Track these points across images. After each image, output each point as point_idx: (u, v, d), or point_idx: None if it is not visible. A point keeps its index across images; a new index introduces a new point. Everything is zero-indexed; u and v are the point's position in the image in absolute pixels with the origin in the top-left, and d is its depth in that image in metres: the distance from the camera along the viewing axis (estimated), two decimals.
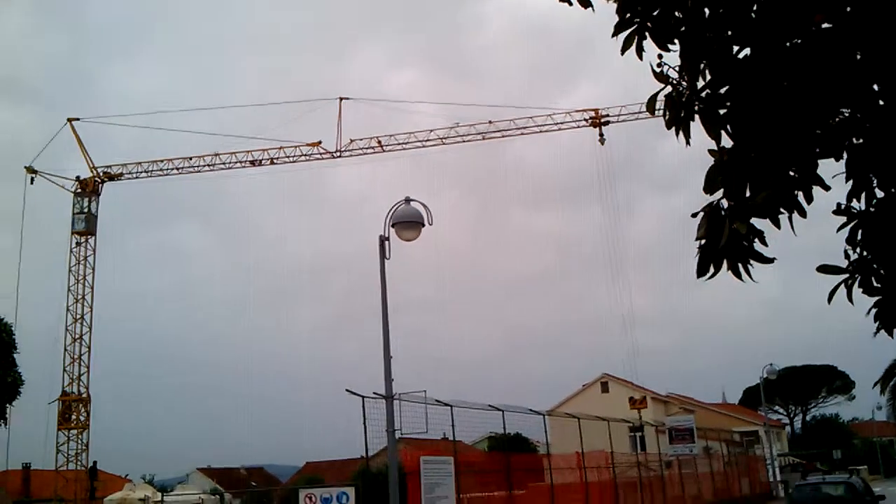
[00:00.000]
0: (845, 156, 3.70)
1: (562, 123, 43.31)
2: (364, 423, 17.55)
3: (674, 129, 3.73)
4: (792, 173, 3.69)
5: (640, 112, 41.92)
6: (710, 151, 3.84)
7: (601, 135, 42.96)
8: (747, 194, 3.69)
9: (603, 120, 42.88)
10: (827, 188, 3.78)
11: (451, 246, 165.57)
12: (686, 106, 3.68)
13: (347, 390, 17.35)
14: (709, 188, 3.81)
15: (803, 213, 3.72)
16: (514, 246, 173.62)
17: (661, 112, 3.77)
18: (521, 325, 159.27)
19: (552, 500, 25.34)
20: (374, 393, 17.09)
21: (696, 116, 3.70)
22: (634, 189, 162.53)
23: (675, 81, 3.74)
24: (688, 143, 3.80)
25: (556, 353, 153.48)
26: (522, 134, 43.37)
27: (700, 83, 3.67)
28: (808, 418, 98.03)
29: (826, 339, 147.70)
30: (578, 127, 43.35)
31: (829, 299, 4.27)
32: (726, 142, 3.76)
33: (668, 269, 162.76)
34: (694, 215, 3.86)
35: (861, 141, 3.62)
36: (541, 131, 43.30)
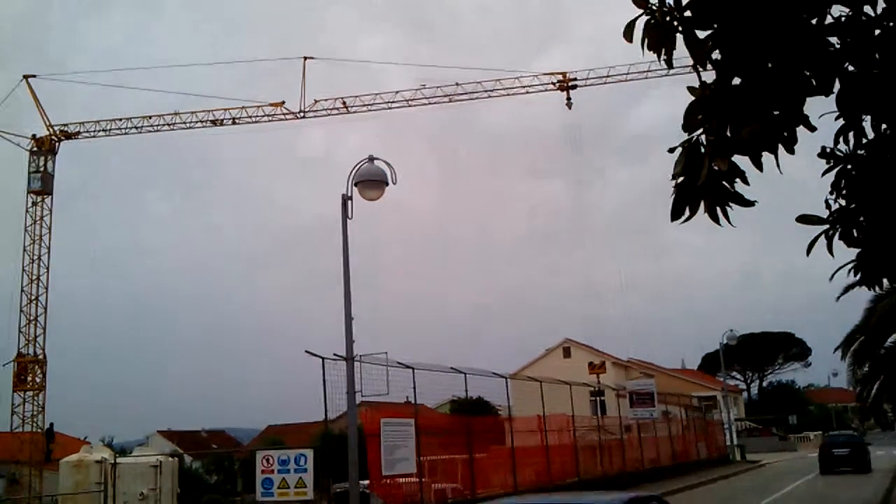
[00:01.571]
0: (836, 91, 3.45)
1: (529, 86, 42.89)
2: (324, 384, 17.34)
3: (653, 51, 3.42)
4: (776, 112, 3.44)
5: (607, 76, 41.81)
6: (690, 89, 3.57)
7: (568, 98, 42.68)
8: (728, 134, 3.45)
9: (570, 83, 42.56)
10: (812, 128, 3.53)
11: (417, 211, 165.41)
12: (667, 26, 3.39)
13: (307, 351, 17.12)
14: (688, 126, 3.55)
15: (791, 150, 3.47)
16: (480, 212, 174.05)
17: (641, 41, 3.48)
18: (486, 290, 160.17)
19: (513, 462, 25.43)
20: (335, 354, 16.86)
21: (679, 37, 3.41)
22: (601, 157, 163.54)
23: (653, 6, 3.45)
24: (670, 66, 3.52)
25: (519, 319, 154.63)
26: (490, 96, 42.83)
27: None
28: (764, 384, 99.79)
29: (785, 309, 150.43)
30: (546, 90, 43.02)
31: (808, 251, 4.06)
32: (707, 78, 3.50)
33: (632, 238, 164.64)
34: (671, 150, 3.59)
35: (854, 69, 3.36)
36: (508, 94, 42.83)
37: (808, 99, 3.50)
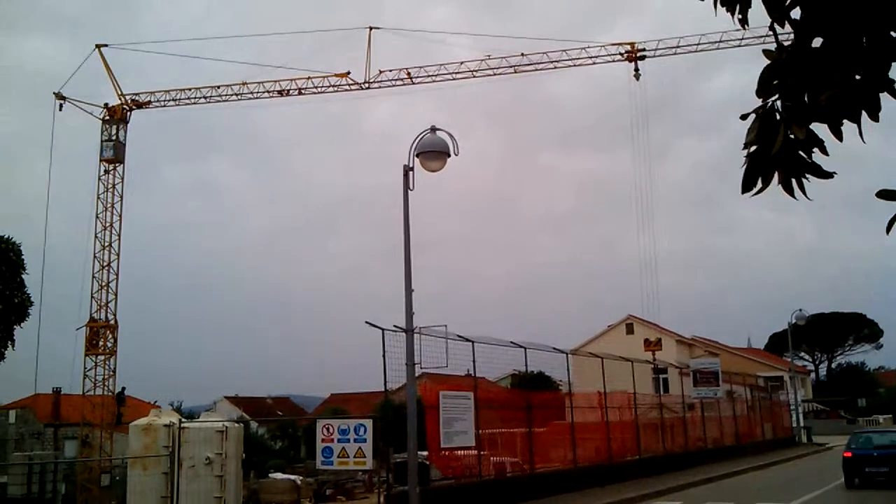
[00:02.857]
0: None
1: (596, 57, 42.01)
2: (384, 355, 17.37)
3: (727, 9, 3.19)
4: (858, 77, 3.19)
5: (677, 46, 40.78)
6: (766, 52, 3.35)
7: (636, 69, 41.71)
8: (805, 100, 3.21)
9: (639, 54, 41.57)
10: None
11: (479, 183, 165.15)
12: None
13: (367, 322, 17.14)
14: (763, 91, 3.31)
15: (876, 117, 3.21)
16: (542, 185, 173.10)
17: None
18: (548, 264, 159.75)
19: (573, 437, 25.29)
20: (395, 326, 16.88)
21: None
22: (668, 131, 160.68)
23: None
24: (744, 26, 3.29)
25: (582, 295, 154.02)
26: (556, 67, 42.11)
27: None
28: (833, 366, 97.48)
29: (855, 287, 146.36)
30: (613, 61, 42.09)
31: (888, 229, 3.81)
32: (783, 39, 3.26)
33: (699, 213, 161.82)
34: (744, 117, 3.36)
35: None
36: (574, 65, 42.04)
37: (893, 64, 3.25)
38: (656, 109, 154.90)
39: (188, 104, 46.70)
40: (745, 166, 3.42)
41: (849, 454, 25.26)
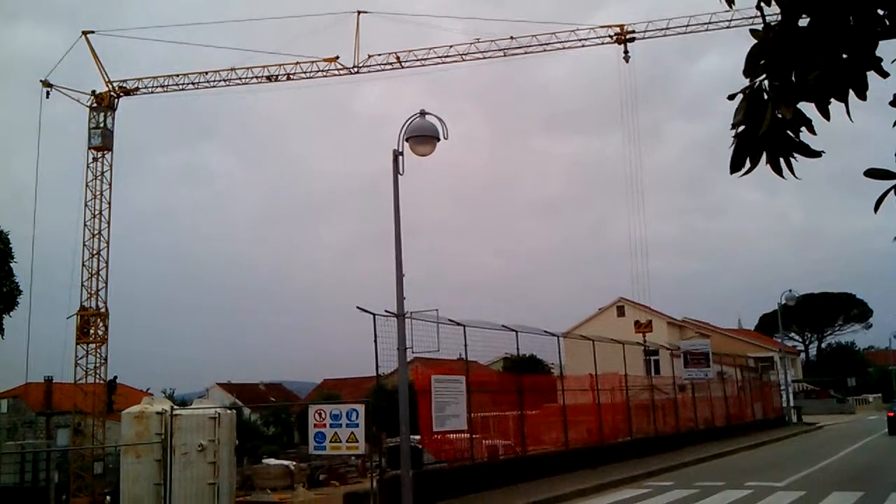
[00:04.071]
0: None
1: (585, 39, 41.92)
2: (375, 340, 17.37)
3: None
4: (845, 56, 3.19)
5: (667, 28, 40.73)
6: (753, 32, 3.34)
7: (626, 52, 41.67)
8: (793, 79, 3.21)
9: (628, 36, 41.54)
10: (885, 74, 3.28)
11: (469, 168, 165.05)
12: None
13: (358, 307, 17.12)
14: (750, 71, 3.31)
15: (863, 95, 3.21)
16: (533, 169, 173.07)
17: None
18: (539, 249, 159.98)
19: (564, 420, 25.40)
20: (386, 311, 16.88)
21: None
22: (659, 114, 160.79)
23: None
24: (730, 4, 3.28)
25: (573, 278, 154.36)
26: (545, 50, 42.03)
27: None
28: (823, 346, 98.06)
29: (845, 267, 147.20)
30: (602, 43, 42.01)
31: (876, 208, 3.81)
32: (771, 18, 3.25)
33: (689, 196, 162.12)
34: (731, 97, 3.36)
35: None
36: (564, 48, 41.94)
37: (880, 42, 3.25)
38: (646, 92, 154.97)
39: (176, 90, 46.41)
40: (733, 146, 3.41)
41: (891, 414, 37.77)
